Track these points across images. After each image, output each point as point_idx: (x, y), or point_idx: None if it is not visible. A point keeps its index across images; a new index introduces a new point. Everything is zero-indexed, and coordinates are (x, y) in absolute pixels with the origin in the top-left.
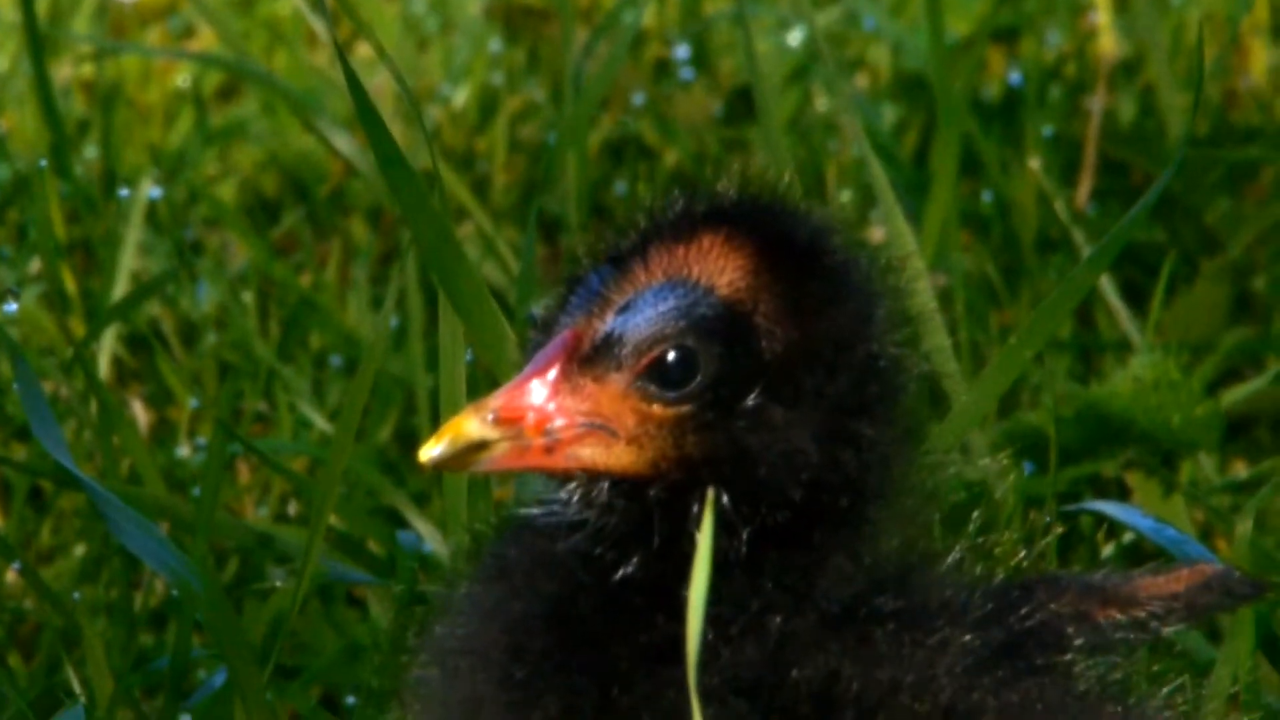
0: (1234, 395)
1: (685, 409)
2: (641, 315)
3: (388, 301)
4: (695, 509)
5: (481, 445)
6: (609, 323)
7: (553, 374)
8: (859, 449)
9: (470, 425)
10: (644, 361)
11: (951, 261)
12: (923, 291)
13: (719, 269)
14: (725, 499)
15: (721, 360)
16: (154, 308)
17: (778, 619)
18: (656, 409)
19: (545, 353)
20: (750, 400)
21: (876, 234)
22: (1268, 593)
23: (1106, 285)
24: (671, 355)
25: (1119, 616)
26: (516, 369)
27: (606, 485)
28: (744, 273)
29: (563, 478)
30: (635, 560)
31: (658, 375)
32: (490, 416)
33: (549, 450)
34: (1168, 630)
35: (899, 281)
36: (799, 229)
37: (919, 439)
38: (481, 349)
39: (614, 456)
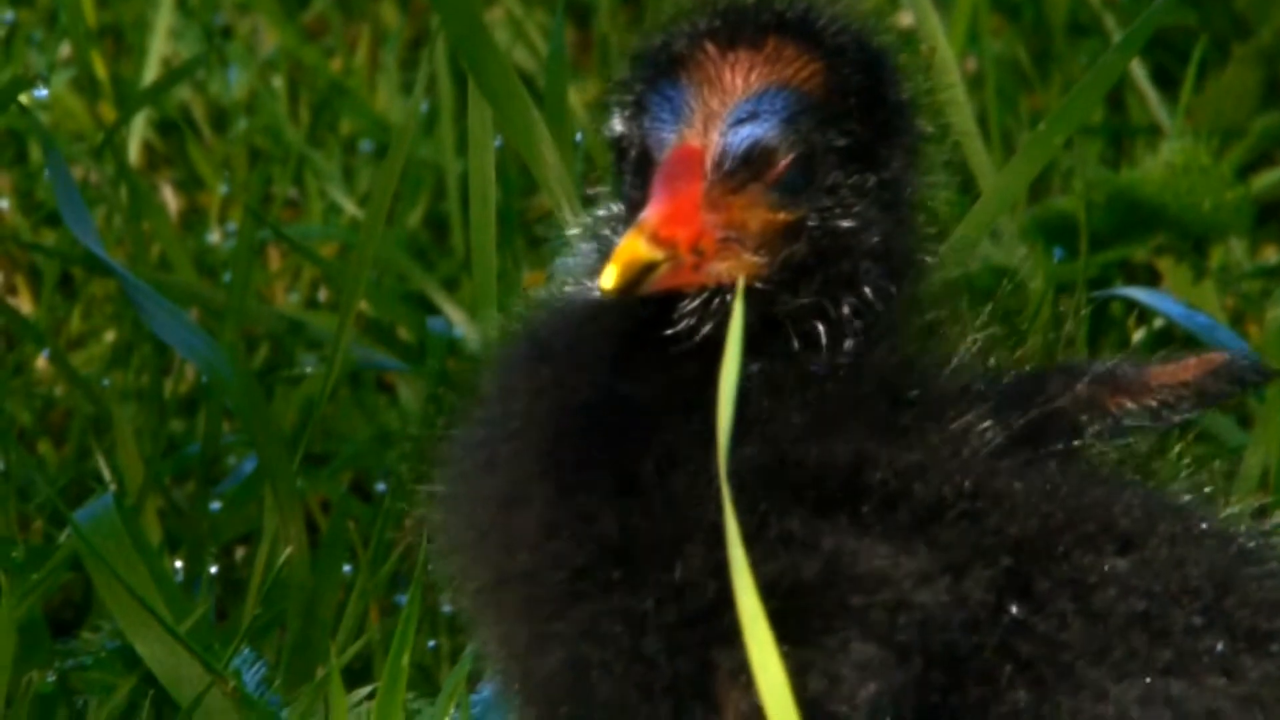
0: (1265, 180)
1: (801, 213)
2: (761, 125)
3: (417, 86)
4: (796, 306)
5: (652, 266)
6: (730, 135)
7: (694, 191)
8: (911, 232)
9: (642, 248)
10: (776, 171)
11: (982, 46)
12: (952, 77)
13: (802, 74)
14: (815, 298)
15: (832, 161)
16: (184, 93)
17: (801, 407)
18: (782, 215)
19: (672, 169)
20: (846, 193)
21: (906, 19)
22: (1275, 378)
23: (1137, 70)
24: (797, 161)
25: (1130, 405)
26: (544, 164)
27: (729, 295)
28: (819, 72)
29: (696, 290)
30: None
31: (786, 182)
32: (652, 238)
33: (696, 267)
34: (1178, 418)
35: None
36: (845, 33)
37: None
38: (511, 134)
39: (744, 265)
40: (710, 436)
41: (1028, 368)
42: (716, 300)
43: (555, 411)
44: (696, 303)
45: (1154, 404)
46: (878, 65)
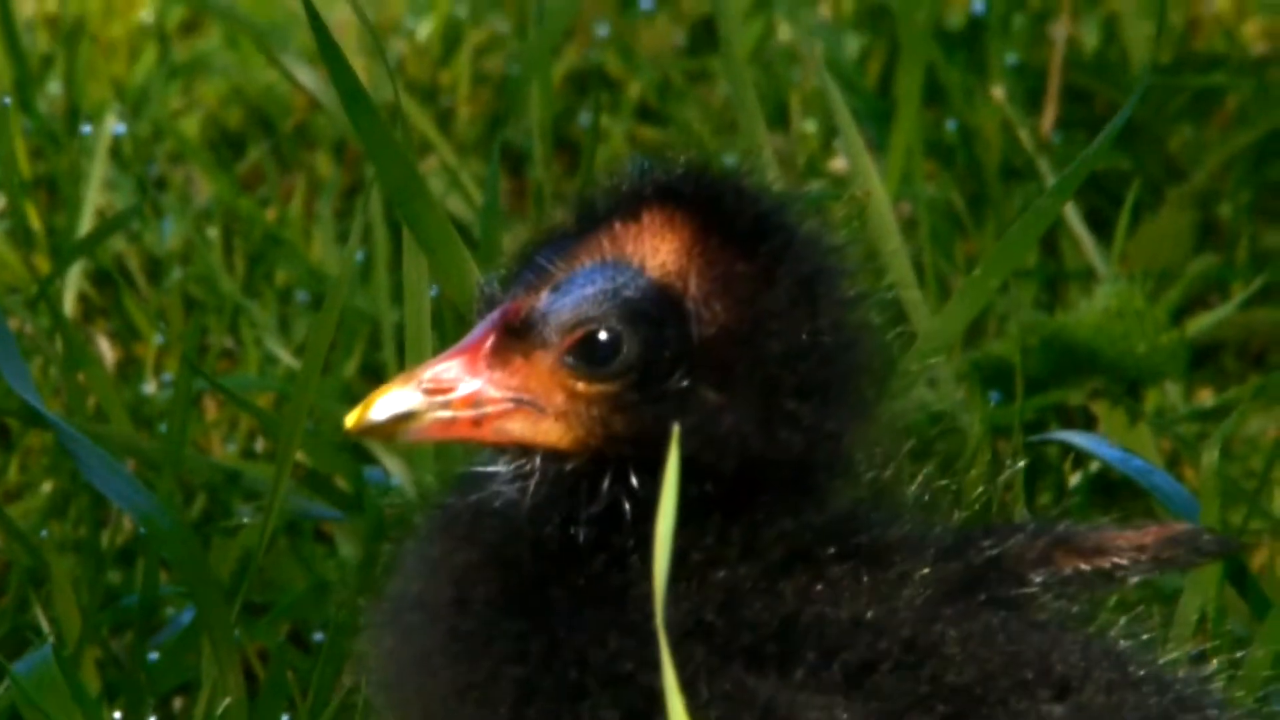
0: (1199, 323)
1: (611, 387)
2: (570, 295)
3: (353, 236)
4: (631, 480)
5: (410, 415)
6: (542, 300)
7: (484, 348)
8: (802, 430)
9: (397, 394)
10: (569, 340)
11: (916, 190)
12: (887, 221)
13: (654, 248)
14: (651, 475)
15: (647, 341)
16: (119, 244)
17: (721, 572)
18: (582, 386)
19: (481, 326)
20: (678, 382)
21: (839, 164)
22: (1234, 551)
23: (1071, 213)
24: (595, 335)
25: (1083, 565)
26: (478, 315)
27: (538, 459)
28: (678, 252)
29: (495, 450)
30: (570, 526)
31: (583, 354)
32: (419, 386)
33: (477, 423)
34: (1132, 580)
35: (854, 257)
36: (743, 208)
37: (872, 415)
38: (446, 283)
39: (541, 432)
40: (601, 599)
41: (980, 524)
42: (527, 464)
43: (454, 580)
44: (510, 464)
45: (1107, 566)
46: (772, 257)
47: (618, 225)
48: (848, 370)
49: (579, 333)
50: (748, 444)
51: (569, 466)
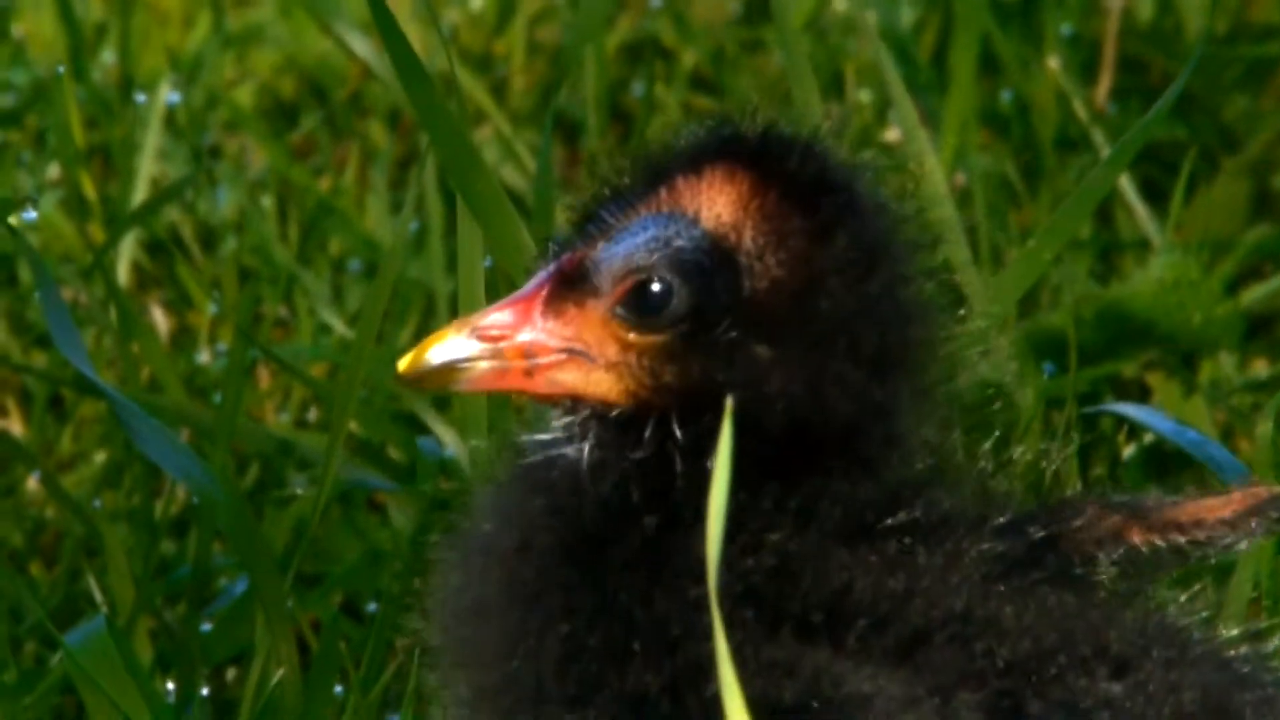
0: (1254, 294)
1: (660, 338)
2: (623, 244)
3: (406, 206)
4: (678, 435)
5: (463, 362)
6: (598, 250)
7: (539, 297)
8: (851, 394)
9: (451, 342)
10: (620, 289)
11: (971, 161)
12: (941, 193)
13: (711, 201)
14: (699, 427)
15: (696, 292)
16: (173, 213)
17: (774, 536)
18: (633, 337)
19: (539, 276)
20: (727, 334)
21: (894, 135)
22: None
23: (1126, 184)
24: (645, 284)
25: (1157, 540)
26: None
27: (588, 412)
28: (734, 205)
29: (546, 403)
30: (626, 483)
31: (634, 304)
32: (473, 334)
33: (529, 373)
34: (1212, 556)
35: (920, 222)
36: (805, 166)
37: (928, 388)
38: (500, 253)
39: (592, 382)
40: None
41: (1046, 499)
42: (578, 416)
43: (522, 527)
44: (562, 418)
45: (1182, 541)
46: (829, 215)
47: (679, 180)
48: (902, 338)
49: (629, 281)
50: (796, 404)
51: (616, 416)
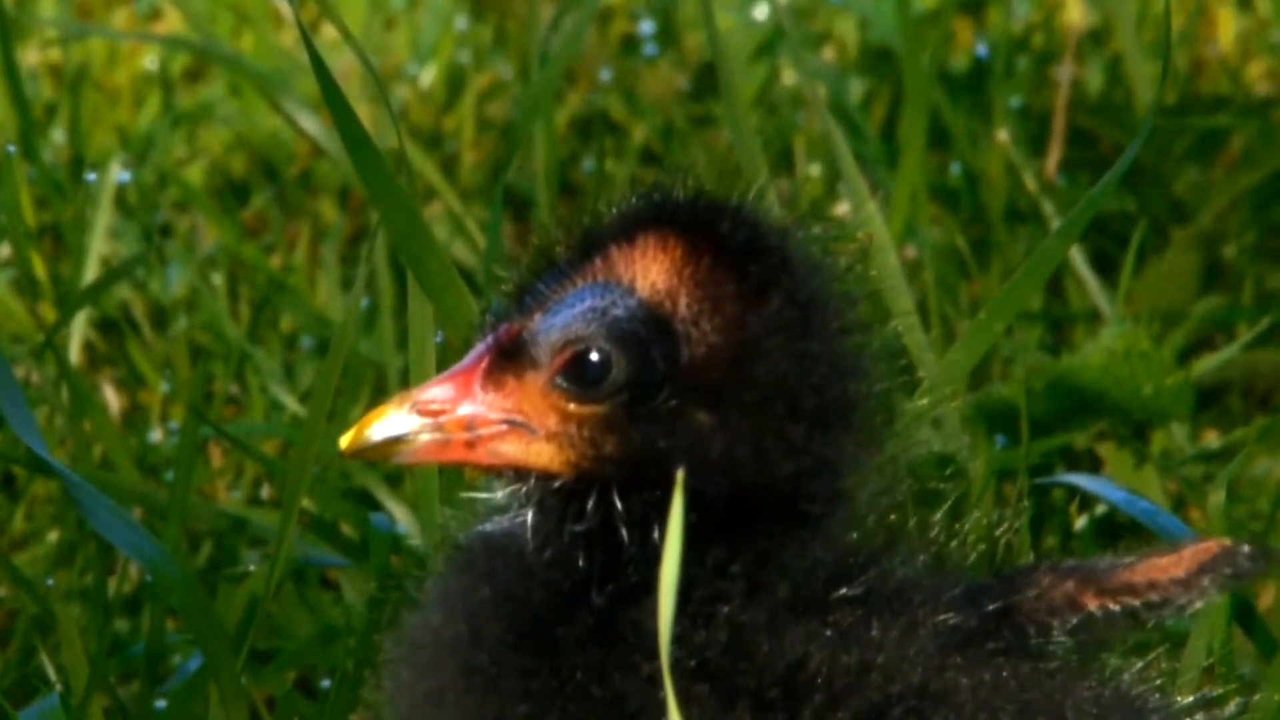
0: (1205, 364)
1: (600, 408)
2: (560, 315)
3: (357, 282)
4: (620, 506)
5: (404, 437)
6: (535, 321)
7: (478, 370)
8: (796, 456)
9: (390, 416)
10: (559, 360)
11: (920, 234)
12: (891, 265)
13: (645, 269)
14: (642, 497)
15: (634, 362)
16: (124, 291)
17: (726, 608)
18: (573, 407)
19: (478, 349)
20: (667, 402)
21: (844, 208)
22: (1276, 562)
23: (1076, 256)
24: (583, 355)
25: (1111, 605)
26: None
27: (532, 482)
28: (668, 272)
29: (489, 474)
30: (571, 555)
31: (572, 374)
32: (414, 408)
33: (470, 445)
34: (1167, 618)
35: (861, 281)
36: (736, 230)
37: (878, 444)
38: (451, 328)
39: (533, 454)
40: (605, 637)
41: (998, 568)
42: (523, 487)
43: (470, 616)
44: (507, 488)
45: (1136, 604)
46: (765, 278)
47: (613, 249)
48: (845, 397)
49: (568, 353)
50: (740, 469)
51: (558, 487)
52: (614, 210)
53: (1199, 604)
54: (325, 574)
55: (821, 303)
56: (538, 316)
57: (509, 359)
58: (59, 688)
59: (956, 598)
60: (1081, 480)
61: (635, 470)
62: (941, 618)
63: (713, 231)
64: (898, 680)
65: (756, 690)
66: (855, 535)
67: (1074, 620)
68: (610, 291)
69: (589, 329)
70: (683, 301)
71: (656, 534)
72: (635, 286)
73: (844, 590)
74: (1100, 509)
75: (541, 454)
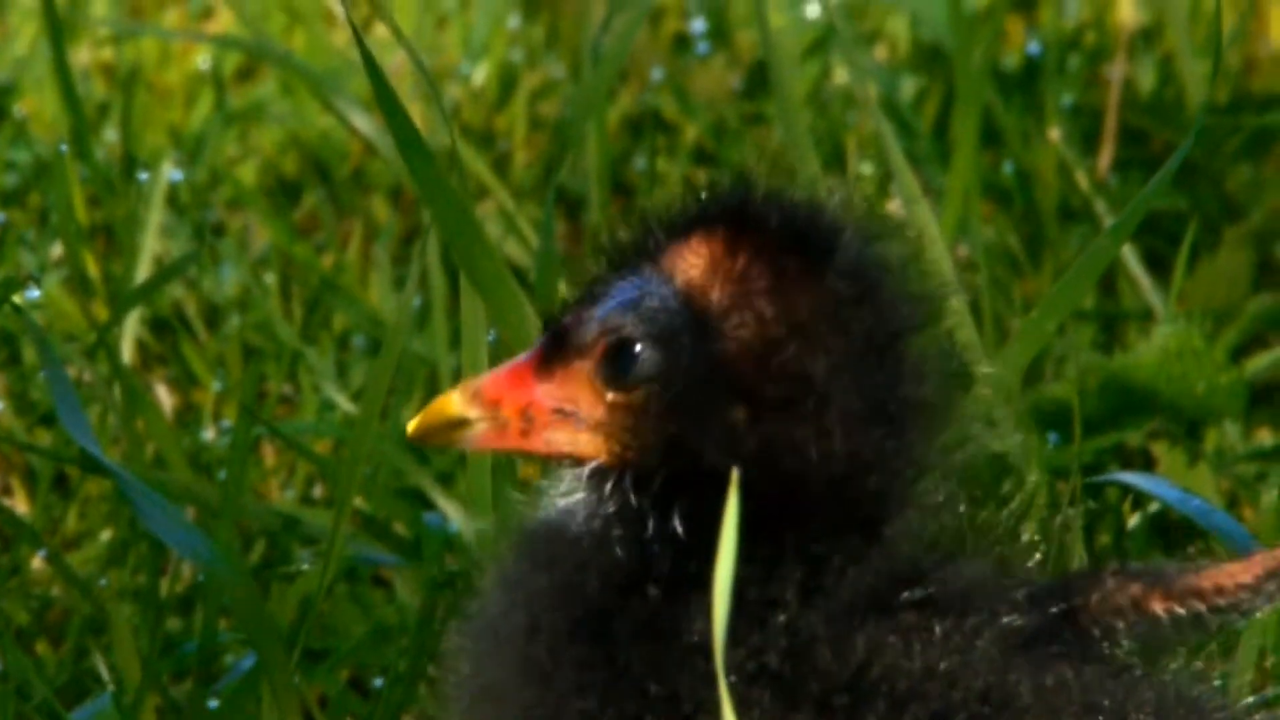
0: (1258, 363)
1: (634, 398)
2: (604, 306)
3: (410, 281)
4: (660, 497)
5: (463, 423)
6: (589, 313)
7: (534, 360)
8: (836, 454)
9: (452, 402)
10: (597, 350)
11: (973, 233)
12: (944, 264)
13: (686, 262)
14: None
15: (665, 351)
16: (177, 291)
17: (784, 615)
18: (610, 396)
19: (538, 341)
20: (701, 394)
21: (896, 207)
22: None
23: (1129, 254)
24: (616, 344)
25: (1179, 610)
26: None
27: (583, 470)
28: (706, 266)
29: (546, 462)
30: (618, 544)
31: (608, 363)
32: (474, 396)
33: (525, 434)
34: (1233, 623)
35: (914, 280)
36: (780, 224)
37: (933, 446)
38: (503, 327)
39: (581, 442)
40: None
41: (1063, 571)
42: (576, 475)
43: (528, 606)
44: (562, 477)
45: (1203, 608)
46: (810, 271)
47: (667, 243)
48: (896, 398)
49: (604, 342)
50: (778, 463)
51: (604, 476)
52: (675, 207)
53: (1264, 610)
54: (378, 573)
55: (871, 303)
56: (592, 308)
57: (562, 349)
58: (111, 687)
59: (1020, 600)
60: (1135, 479)
61: (672, 461)
62: (1005, 621)
63: (758, 226)
64: (960, 686)
65: (820, 696)
66: (915, 537)
67: (1139, 624)
68: (650, 283)
69: (623, 318)
70: (719, 293)
71: (683, 528)
72: (674, 278)
73: (906, 594)
74: (1153, 507)
75: (588, 443)
